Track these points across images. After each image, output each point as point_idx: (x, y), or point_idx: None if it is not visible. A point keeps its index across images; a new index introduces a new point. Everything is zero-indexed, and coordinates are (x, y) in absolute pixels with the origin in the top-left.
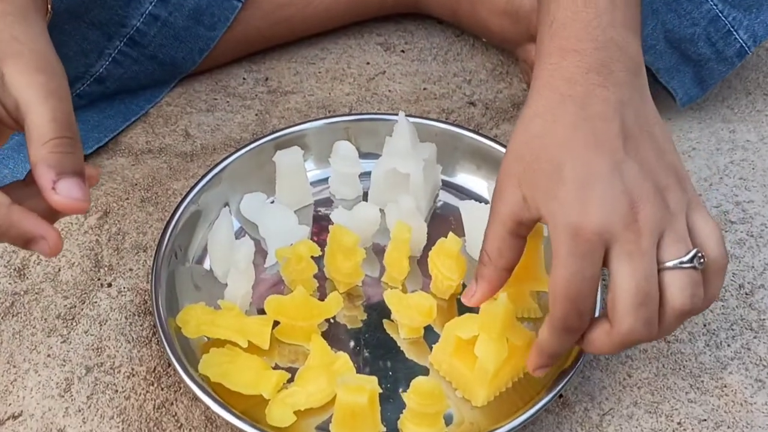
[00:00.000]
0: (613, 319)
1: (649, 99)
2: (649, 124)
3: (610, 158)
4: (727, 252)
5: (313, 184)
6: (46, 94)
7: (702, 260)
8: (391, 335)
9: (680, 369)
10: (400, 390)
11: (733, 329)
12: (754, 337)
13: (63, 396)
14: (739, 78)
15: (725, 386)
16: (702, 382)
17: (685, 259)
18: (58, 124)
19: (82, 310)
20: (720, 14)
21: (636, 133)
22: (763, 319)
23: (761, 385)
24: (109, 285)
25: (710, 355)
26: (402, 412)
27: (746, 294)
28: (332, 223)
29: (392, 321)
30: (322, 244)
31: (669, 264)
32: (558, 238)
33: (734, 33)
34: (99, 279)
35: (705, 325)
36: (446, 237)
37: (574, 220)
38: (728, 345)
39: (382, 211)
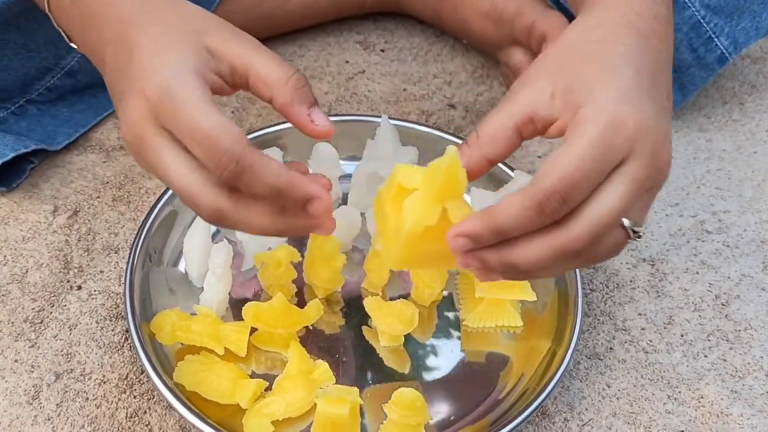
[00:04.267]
0: (572, 224)
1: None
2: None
3: (660, 99)
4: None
5: None
6: (256, 48)
7: (638, 238)
8: (370, 342)
9: (658, 379)
10: (381, 400)
11: (709, 340)
12: (730, 348)
13: (31, 403)
14: (716, 87)
15: (702, 397)
16: (679, 392)
17: (637, 230)
18: (284, 66)
19: (51, 313)
20: (701, 20)
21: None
22: (739, 330)
23: (737, 396)
24: (79, 288)
25: (687, 366)
26: (382, 423)
27: (722, 305)
28: None
29: (370, 327)
30: (300, 248)
31: (626, 222)
32: (597, 119)
33: (715, 39)
34: (68, 281)
35: (682, 336)
36: None
37: (623, 111)
38: (705, 356)
39: (362, 214)
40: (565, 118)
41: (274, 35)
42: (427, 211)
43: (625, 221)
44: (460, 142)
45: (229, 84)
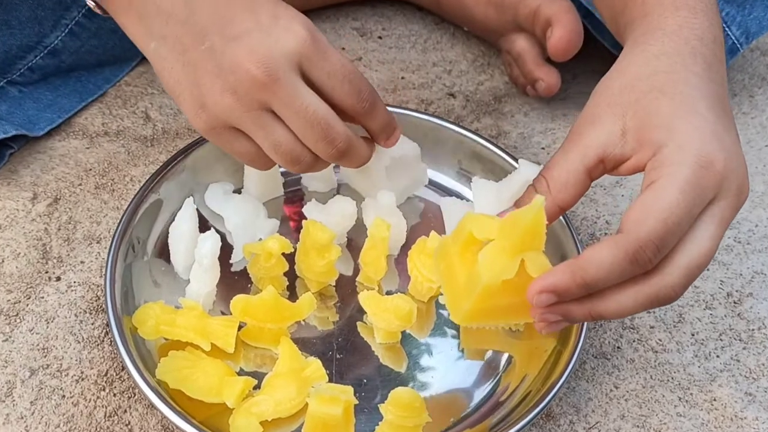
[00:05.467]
0: (667, 272)
1: None
2: None
3: (734, 128)
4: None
5: (284, 174)
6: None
7: None
8: (365, 339)
9: (668, 380)
10: (376, 400)
11: (721, 339)
12: (744, 348)
13: (4, 401)
14: None
15: (714, 399)
16: (691, 394)
17: None
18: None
19: (27, 305)
20: None
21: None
22: (752, 330)
23: (751, 399)
24: (58, 279)
25: (699, 367)
26: (377, 424)
27: (734, 303)
28: (304, 218)
29: (366, 323)
30: (292, 239)
31: None
32: (685, 159)
33: (727, 29)
34: (47, 272)
35: (693, 335)
36: (426, 235)
37: (710, 149)
38: (717, 356)
39: (360, 208)
40: (641, 156)
41: None
42: (506, 264)
43: None
44: (462, 131)
45: None
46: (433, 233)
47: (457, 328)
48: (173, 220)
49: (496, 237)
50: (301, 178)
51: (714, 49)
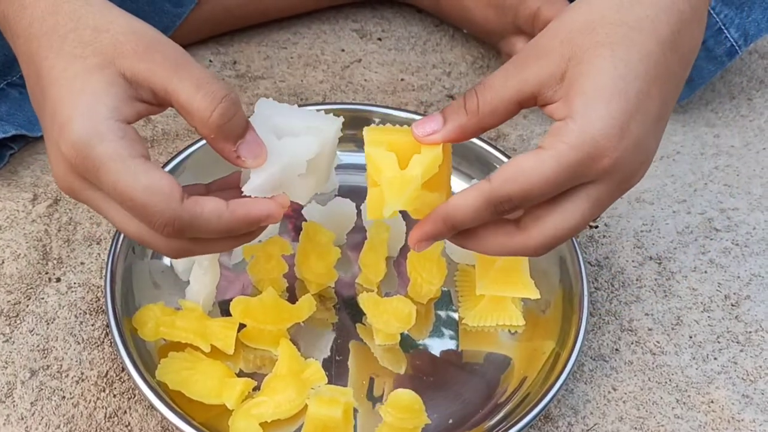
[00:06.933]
0: (531, 233)
1: None
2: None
3: (658, 112)
4: None
5: None
6: (175, 68)
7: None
8: (365, 341)
9: (666, 382)
10: (375, 402)
11: (719, 342)
12: (741, 351)
13: (4, 402)
14: (723, 82)
15: (712, 401)
16: (688, 396)
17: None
18: (206, 92)
19: (28, 306)
20: (711, 11)
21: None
22: (750, 332)
23: (749, 401)
24: (58, 280)
25: (696, 369)
26: (377, 426)
27: (732, 305)
28: (304, 219)
29: (365, 325)
30: (291, 241)
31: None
32: (576, 146)
33: (725, 31)
34: (47, 273)
35: (691, 337)
36: None
37: (607, 145)
38: (714, 358)
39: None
40: (559, 110)
41: (267, 21)
42: (384, 214)
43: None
44: None
45: (156, 105)
46: None
47: (456, 330)
48: None
49: (382, 189)
50: None
51: (700, 3)
